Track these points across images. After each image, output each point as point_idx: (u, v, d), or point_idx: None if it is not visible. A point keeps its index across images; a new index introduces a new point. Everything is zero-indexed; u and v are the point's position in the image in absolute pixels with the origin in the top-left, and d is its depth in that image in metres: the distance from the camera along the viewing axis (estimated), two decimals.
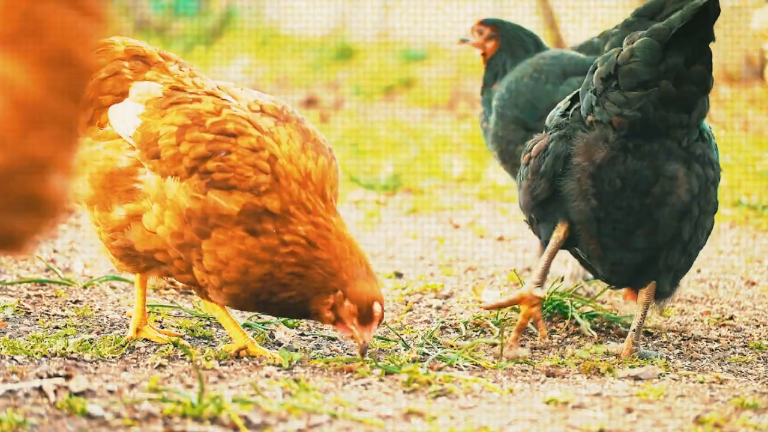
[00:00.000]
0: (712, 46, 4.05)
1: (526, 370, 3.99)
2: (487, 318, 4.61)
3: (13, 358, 3.80)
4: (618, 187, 4.07)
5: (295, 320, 4.50)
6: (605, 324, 4.66)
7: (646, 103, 4.03)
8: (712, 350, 4.36)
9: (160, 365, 3.83)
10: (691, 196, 4.08)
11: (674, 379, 3.94)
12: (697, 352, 4.34)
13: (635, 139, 4.07)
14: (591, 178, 4.09)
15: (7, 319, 4.36)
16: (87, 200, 3.91)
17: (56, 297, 4.72)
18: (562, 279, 4.76)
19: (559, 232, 4.18)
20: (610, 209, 4.10)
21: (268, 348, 4.11)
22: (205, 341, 4.19)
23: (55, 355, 3.87)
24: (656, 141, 4.08)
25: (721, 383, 3.89)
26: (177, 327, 4.33)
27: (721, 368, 4.11)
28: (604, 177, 4.09)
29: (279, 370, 3.83)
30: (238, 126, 3.81)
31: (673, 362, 4.15)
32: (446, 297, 5.06)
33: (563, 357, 4.14)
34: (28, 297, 4.68)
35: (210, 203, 3.74)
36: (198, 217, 3.75)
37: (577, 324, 4.57)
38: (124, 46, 4.03)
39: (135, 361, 3.88)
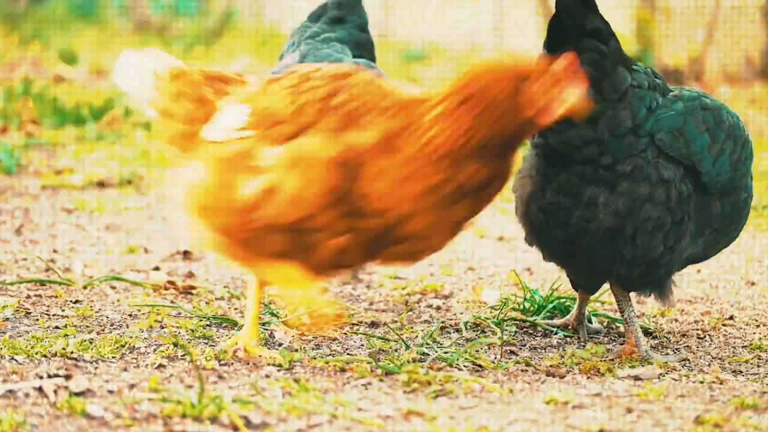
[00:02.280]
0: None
1: (526, 370, 3.99)
2: (487, 318, 4.62)
3: (13, 358, 3.80)
4: (543, 221, 4.09)
5: (295, 320, 4.50)
6: (605, 323, 4.66)
7: (539, 132, 3.99)
8: (712, 350, 4.36)
9: (160, 365, 3.83)
10: (618, 219, 3.98)
11: (674, 379, 3.94)
12: (697, 351, 4.34)
13: (553, 169, 4.05)
14: (523, 212, 4.15)
15: (7, 319, 4.36)
16: (201, 209, 3.75)
17: (56, 297, 4.72)
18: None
19: None
20: (545, 241, 4.15)
21: (268, 348, 4.11)
22: (205, 341, 4.19)
23: (55, 355, 3.87)
24: (571, 168, 4.01)
25: (721, 383, 3.89)
26: (177, 327, 4.33)
27: (722, 368, 4.11)
28: (530, 211, 4.12)
29: (279, 370, 3.83)
30: (346, 69, 3.77)
31: (673, 362, 4.15)
32: (446, 297, 5.06)
33: (563, 357, 4.14)
34: (28, 297, 4.68)
35: (348, 141, 3.60)
36: (347, 164, 3.59)
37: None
38: (201, 73, 3.95)
39: (135, 361, 3.88)
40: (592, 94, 3.83)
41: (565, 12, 3.90)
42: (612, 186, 3.99)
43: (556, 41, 3.95)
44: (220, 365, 3.85)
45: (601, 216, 3.99)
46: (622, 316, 4.19)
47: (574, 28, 3.91)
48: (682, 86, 4.23)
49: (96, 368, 3.76)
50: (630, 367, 4.04)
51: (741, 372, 4.08)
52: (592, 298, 4.91)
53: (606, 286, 4.35)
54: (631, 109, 3.98)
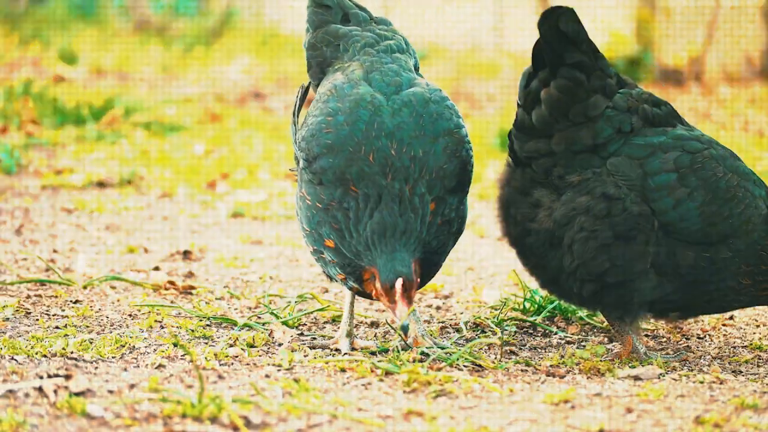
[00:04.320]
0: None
1: (526, 370, 3.99)
2: (487, 318, 4.62)
3: (13, 358, 3.80)
4: (502, 216, 4.18)
5: (295, 320, 4.50)
6: (605, 323, 4.66)
7: (509, 133, 4.13)
8: (712, 350, 4.36)
9: (160, 365, 3.83)
10: (557, 226, 4.02)
11: (674, 379, 3.94)
12: (697, 351, 4.34)
13: (515, 169, 4.15)
14: (499, 206, 4.22)
15: (7, 319, 4.36)
16: None
17: (56, 297, 4.72)
18: None
19: None
20: (506, 233, 4.21)
21: (268, 348, 4.11)
22: (205, 341, 4.19)
23: (55, 355, 3.87)
24: (524, 169, 4.11)
25: (721, 383, 3.89)
26: (177, 327, 4.33)
27: (722, 368, 4.11)
28: (502, 205, 4.20)
29: (279, 370, 3.83)
30: None
31: (673, 362, 4.15)
32: (446, 297, 5.06)
33: (563, 357, 4.14)
34: (28, 297, 4.68)
35: None
36: None
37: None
38: None
39: (135, 361, 3.88)
40: (553, 113, 4.00)
41: (546, 42, 3.99)
42: (559, 194, 4.06)
43: (540, 63, 4.04)
44: (220, 365, 3.85)
45: (541, 217, 4.06)
46: (609, 322, 4.22)
47: (554, 58, 3.99)
48: (693, 127, 4.18)
49: (96, 368, 3.76)
50: (630, 367, 4.04)
51: (741, 372, 4.08)
52: None
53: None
54: (593, 130, 4.00)
